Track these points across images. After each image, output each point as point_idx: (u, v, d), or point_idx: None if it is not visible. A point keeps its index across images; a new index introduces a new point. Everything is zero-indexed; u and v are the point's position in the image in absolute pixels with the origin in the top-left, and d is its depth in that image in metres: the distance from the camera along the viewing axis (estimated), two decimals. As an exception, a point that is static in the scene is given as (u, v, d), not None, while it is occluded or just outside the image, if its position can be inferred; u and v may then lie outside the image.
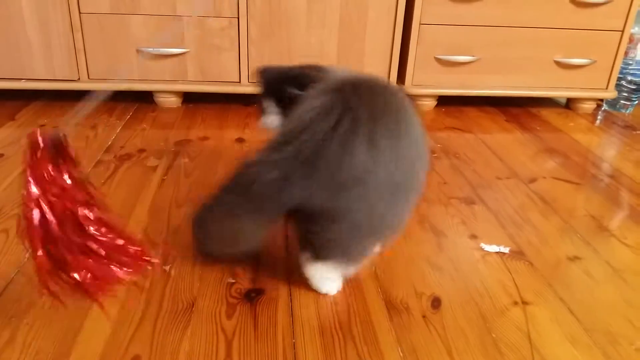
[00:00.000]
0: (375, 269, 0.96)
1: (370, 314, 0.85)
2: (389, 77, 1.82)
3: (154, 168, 1.31)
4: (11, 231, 1.02)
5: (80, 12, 1.62)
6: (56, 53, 1.66)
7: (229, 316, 0.83)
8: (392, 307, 0.87)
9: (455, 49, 1.82)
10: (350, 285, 0.91)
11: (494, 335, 0.82)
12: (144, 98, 1.78)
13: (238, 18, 1.68)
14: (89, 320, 0.80)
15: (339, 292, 0.89)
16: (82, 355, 0.74)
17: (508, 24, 1.81)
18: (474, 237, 1.09)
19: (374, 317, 0.84)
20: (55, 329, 0.78)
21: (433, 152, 1.52)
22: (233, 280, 0.91)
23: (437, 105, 1.91)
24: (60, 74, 1.69)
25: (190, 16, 1.66)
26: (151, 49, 1.69)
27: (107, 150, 1.41)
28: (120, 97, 1.78)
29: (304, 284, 0.91)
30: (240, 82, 1.76)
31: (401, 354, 0.77)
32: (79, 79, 1.70)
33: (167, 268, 0.93)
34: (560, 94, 1.95)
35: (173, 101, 1.78)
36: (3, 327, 0.78)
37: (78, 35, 1.65)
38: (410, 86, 1.85)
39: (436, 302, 0.89)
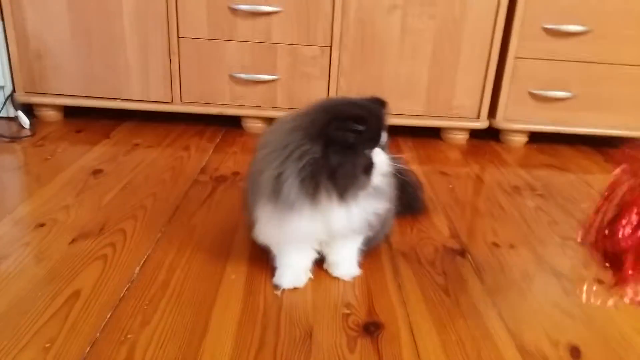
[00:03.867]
0: (500, 310, 0.89)
1: (504, 359, 0.77)
2: (479, 110, 1.76)
3: (250, 191, 1.29)
4: (117, 245, 1.01)
5: (178, 37, 1.66)
6: (152, 75, 1.70)
7: (351, 350, 0.77)
8: (526, 354, 0.79)
9: (551, 84, 1.75)
10: (475, 325, 0.84)
11: (649, 394, 0.73)
12: (232, 122, 1.78)
13: (331, 47, 1.68)
14: (207, 343, 0.76)
15: (464, 332, 0.82)
16: (204, 381, 0.69)
17: (607, 61, 1.72)
18: (600, 282, 1.00)
19: (509, 363, 0.77)
20: (173, 350, 0.74)
21: (535, 189, 1.44)
22: (348, 311, 0.86)
23: (527, 142, 1.83)
24: (154, 95, 1.72)
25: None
26: (243, 75, 1.70)
27: (202, 171, 1.41)
28: (209, 121, 1.79)
29: (424, 320, 0.85)
30: (328, 110, 1.74)
31: (548, 407, 0.69)
32: (172, 101, 1.73)
33: (278, 293, 0.89)
34: (662, 136, 1.84)
35: (260, 127, 1.78)
36: (120, 345, 0.75)
37: (175, 59, 1.68)
38: (502, 121, 1.78)
39: (575, 352, 0.80)
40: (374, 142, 0.82)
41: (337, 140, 0.78)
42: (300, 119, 0.84)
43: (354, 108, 0.82)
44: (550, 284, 0.98)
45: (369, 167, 0.81)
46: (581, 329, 0.86)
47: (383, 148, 0.84)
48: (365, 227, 0.88)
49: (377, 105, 0.86)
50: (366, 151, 0.81)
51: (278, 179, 0.80)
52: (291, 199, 0.80)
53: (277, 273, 0.92)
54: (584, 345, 0.81)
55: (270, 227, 0.86)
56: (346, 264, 0.95)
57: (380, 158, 0.83)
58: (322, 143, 0.78)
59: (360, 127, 0.78)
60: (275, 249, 0.93)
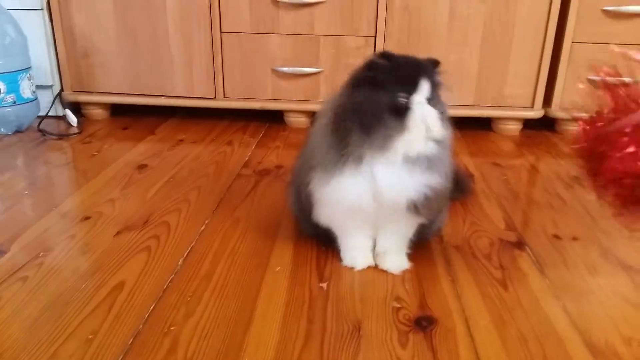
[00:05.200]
0: (564, 304, 0.82)
1: (571, 357, 0.71)
2: (534, 99, 1.67)
3: (294, 184, 1.26)
4: (161, 237, 0.99)
5: (221, 31, 1.65)
6: (196, 71, 1.70)
7: (403, 345, 0.72)
8: (597, 352, 0.72)
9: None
10: (538, 322, 0.78)
11: None
12: (275, 118, 1.76)
13: (375, 37, 1.63)
14: (251, 336, 0.73)
15: (526, 329, 0.76)
16: (248, 375, 0.66)
17: (674, 44, 1.60)
18: (677, 276, 0.91)
19: (577, 362, 0.70)
20: (217, 343, 0.71)
21: (596, 179, 1.34)
22: (398, 305, 0.81)
23: (586, 132, 1.72)
24: (198, 91, 1.72)
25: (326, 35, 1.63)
26: (286, 69, 1.67)
27: (245, 165, 1.39)
28: (252, 116, 1.78)
29: (481, 315, 0.79)
30: (373, 102, 1.70)
31: (625, 411, 0.62)
32: (215, 97, 1.72)
33: (323, 285, 0.85)
34: None
35: (303, 121, 1.75)
36: (163, 336, 0.72)
37: (218, 54, 1.67)
38: (557, 109, 1.68)
39: (652, 351, 0.72)
40: (407, 85, 0.76)
41: (362, 80, 0.77)
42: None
43: (387, 50, 0.80)
44: (618, 278, 0.90)
45: (399, 109, 0.76)
46: (658, 327, 0.78)
47: (435, 106, 0.78)
48: (417, 204, 0.80)
49: (423, 59, 0.81)
50: (400, 94, 0.76)
51: (322, 140, 0.82)
52: (331, 155, 0.79)
53: (347, 256, 0.90)
54: (662, 344, 0.74)
55: (324, 198, 0.83)
56: (394, 256, 0.90)
57: (425, 110, 0.76)
58: (350, 87, 0.79)
59: (384, 62, 0.76)
60: (336, 230, 0.90)
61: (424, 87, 0.77)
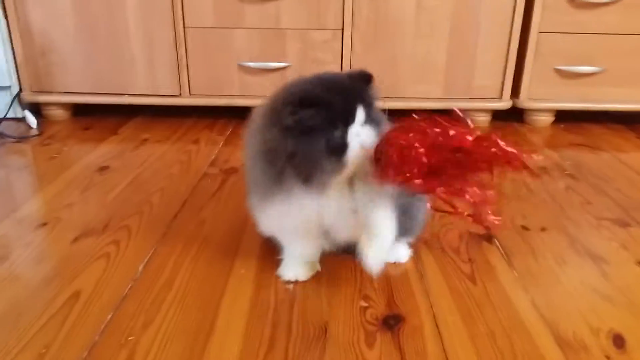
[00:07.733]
0: (532, 297, 0.81)
1: (539, 350, 0.70)
2: (502, 90, 1.67)
3: (262, 182, 1.23)
4: (122, 242, 0.96)
5: (184, 27, 1.61)
6: (159, 68, 1.65)
7: (370, 346, 0.70)
8: (564, 344, 0.71)
9: (577, 59, 1.65)
10: (506, 316, 0.77)
11: None
12: (243, 114, 1.72)
13: (342, 30, 1.61)
14: (213, 344, 0.70)
15: (494, 323, 0.75)
16: (209, 384, 0.64)
17: (637, 32, 1.62)
18: (643, 264, 0.91)
19: (546, 355, 0.69)
20: (176, 353, 0.69)
21: (564, 169, 1.35)
22: (366, 304, 0.79)
23: (553, 122, 1.73)
24: (162, 89, 1.67)
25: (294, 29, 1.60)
26: (252, 64, 1.64)
27: (212, 163, 1.35)
28: (220, 113, 1.74)
29: (450, 311, 0.77)
30: (341, 96, 1.68)
31: (593, 405, 0.61)
32: (180, 94, 1.68)
33: (290, 287, 0.83)
34: (699, 108, 1.72)
35: (271, 117, 1.72)
36: (120, 348, 0.69)
37: (182, 50, 1.63)
38: (525, 100, 1.69)
39: (619, 340, 0.72)
40: (343, 121, 0.71)
41: (292, 126, 0.70)
42: (266, 106, 0.77)
43: (308, 91, 0.72)
44: (587, 267, 0.90)
45: (338, 148, 0.70)
46: (625, 315, 0.78)
47: (374, 124, 0.73)
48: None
49: (353, 80, 0.75)
50: (335, 132, 0.70)
51: (252, 169, 0.81)
52: (262, 188, 0.77)
53: (282, 264, 0.87)
54: (628, 333, 0.73)
55: (261, 217, 0.83)
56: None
57: (363, 137, 0.72)
58: (279, 129, 0.71)
59: (312, 111, 0.69)
60: (280, 238, 0.87)
61: (359, 115, 0.71)
